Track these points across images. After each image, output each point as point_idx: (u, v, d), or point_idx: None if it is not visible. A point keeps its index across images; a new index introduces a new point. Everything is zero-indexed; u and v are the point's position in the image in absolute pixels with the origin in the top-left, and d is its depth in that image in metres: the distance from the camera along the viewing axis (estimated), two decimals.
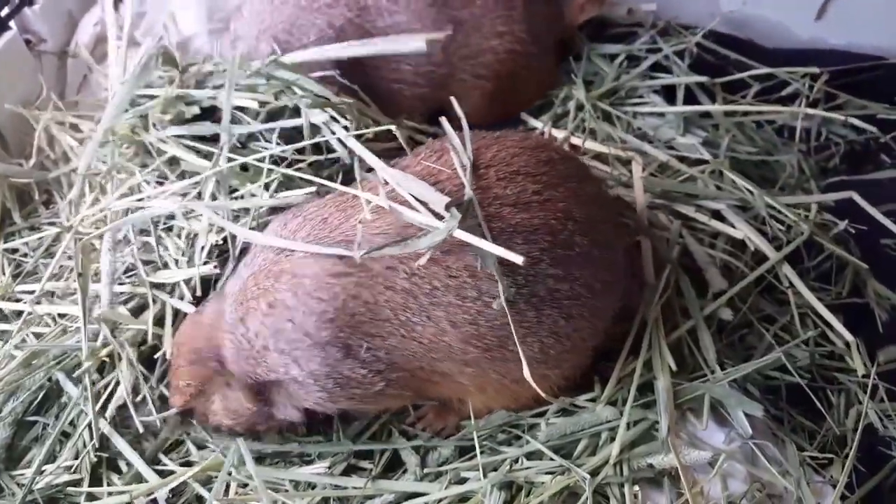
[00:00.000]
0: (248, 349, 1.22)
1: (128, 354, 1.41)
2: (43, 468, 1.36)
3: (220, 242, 1.46)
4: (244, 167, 1.47)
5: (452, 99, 1.23)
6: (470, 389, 1.28)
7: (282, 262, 1.20)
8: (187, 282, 1.46)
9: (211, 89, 1.57)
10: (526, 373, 1.14)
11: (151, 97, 1.59)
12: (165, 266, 1.50)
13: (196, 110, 1.56)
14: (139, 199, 1.51)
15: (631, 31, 2.18)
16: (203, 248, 1.45)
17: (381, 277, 1.15)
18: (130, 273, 1.53)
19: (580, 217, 1.23)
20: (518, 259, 1.08)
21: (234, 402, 1.30)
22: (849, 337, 1.51)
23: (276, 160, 1.47)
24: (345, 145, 1.43)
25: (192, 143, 1.53)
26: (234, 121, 1.51)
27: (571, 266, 1.21)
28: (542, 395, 1.20)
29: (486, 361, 1.21)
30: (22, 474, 1.37)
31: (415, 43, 1.46)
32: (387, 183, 1.19)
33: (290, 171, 1.44)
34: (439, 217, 1.12)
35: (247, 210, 1.43)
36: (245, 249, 1.40)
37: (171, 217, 1.51)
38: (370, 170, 1.28)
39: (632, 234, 1.55)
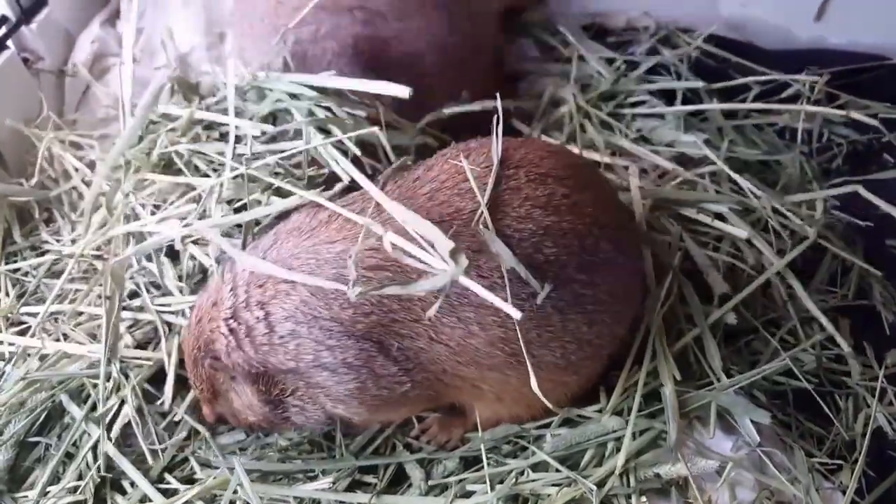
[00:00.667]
0: (261, 335, 1.17)
1: (133, 383, 1.41)
2: (47, 490, 1.35)
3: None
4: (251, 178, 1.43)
5: (498, 97, 1.23)
6: (488, 396, 1.27)
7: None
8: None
9: (223, 114, 1.54)
10: (533, 383, 1.13)
11: (163, 119, 1.60)
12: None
13: (216, 135, 1.56)
14: (143, 225, 1.49)
15: (630, 38, 2.18)
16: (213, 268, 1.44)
17: (415, 274, 1.13)
18: (133, 297, 1.53)
19: (605, 223, 1.23)
20: (516, 314, 1.06)
21: (244, 395, 1.27)
22: (846, 348, 1.50)
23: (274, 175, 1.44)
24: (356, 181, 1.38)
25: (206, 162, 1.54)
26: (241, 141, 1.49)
27: (597, 272, 1.20)
28: (551, 406, 1.19)
29: (510, 366, 1.20)
30: (25, 496, 1.36)
31: (398, 88, 1.43)
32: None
33: (310, 193, 1.34)
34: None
35: (257, 222, 1.41)
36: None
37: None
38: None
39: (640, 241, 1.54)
